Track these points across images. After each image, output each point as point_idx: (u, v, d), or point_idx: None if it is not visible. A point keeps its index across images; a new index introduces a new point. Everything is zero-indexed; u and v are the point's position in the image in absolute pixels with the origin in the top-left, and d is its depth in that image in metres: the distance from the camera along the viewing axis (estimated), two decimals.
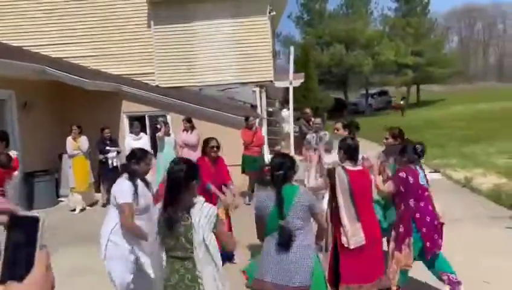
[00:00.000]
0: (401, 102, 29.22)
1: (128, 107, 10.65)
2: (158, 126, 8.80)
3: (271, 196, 3.11)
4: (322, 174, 8.46)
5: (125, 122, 10.67)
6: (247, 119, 8.82)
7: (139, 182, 3.78)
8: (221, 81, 13.10)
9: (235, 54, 12.99)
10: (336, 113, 28.00)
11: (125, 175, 3.73)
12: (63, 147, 8.96)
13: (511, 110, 23.75)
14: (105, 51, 12.82)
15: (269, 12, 13.14)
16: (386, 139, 5.41)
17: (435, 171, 10.77)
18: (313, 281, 2.97)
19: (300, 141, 10.97)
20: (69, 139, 8.84)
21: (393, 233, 4.05)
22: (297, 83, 15.67)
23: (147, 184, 3.96)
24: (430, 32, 36.81)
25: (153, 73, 13.13)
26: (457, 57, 43.51)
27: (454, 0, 60.81)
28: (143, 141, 9.10)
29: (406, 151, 4.19)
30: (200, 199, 2.81)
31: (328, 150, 8.43)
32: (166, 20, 12.97)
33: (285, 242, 2.96)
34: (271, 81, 13.47)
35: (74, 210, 8.82)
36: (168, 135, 9.01)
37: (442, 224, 4.04)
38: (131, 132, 9.19)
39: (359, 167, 3.84)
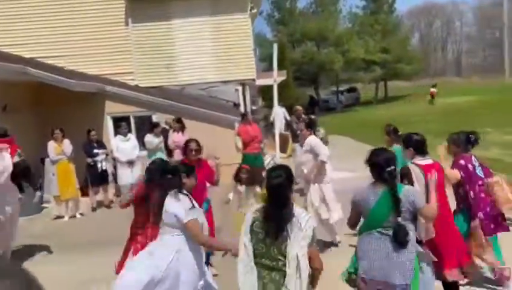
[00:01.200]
0: (434, 89, 29.93)
1: (112, 108, 10.31)
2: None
3: (375, 192, 3.07)
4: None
5: (109, 124, 10.33)
6: (244, 115, 8.69)
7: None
8: (203, 79, 12.87)
9: (216, 52, 12.79)
10: (308, 110, 28.22)
11: (175, 191, 3.33)
12: (45, 151, 8.55)
13: (476, 104, 24.69)
14: (81, 50, 12.28)
15: (250, 10, 13.04)
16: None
17: None
18: (412, 282, 2.96)
19: (288, 138, 11.00)
20: (51, 143, 8.44)
21: (473, 223, 4.15)
22: (278, 80, 15.71)
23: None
24: (397, 30, 37.73)
25: (132, 72, 12.71)
26: (422, 53, 44.78)
27: None
28: (132, 143, 8.85)
29: (459, 140, 4.24)
30: (298, 209, 2.69)
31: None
32: (144, 18, 12.61)
33: (402, 241, 2.93)
34: (253, 79, 13.37)
35: (59, 217, 8.46)
36: (158, 136, 8.78)
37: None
38: (118, 133, 8.88)
39: (428, 161, 3.80)
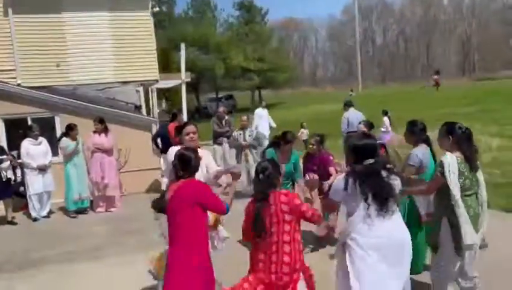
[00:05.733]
0: (437, 76, 31.55)
1: (4, 109, 8.79)
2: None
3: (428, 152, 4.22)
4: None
5: (0, 127, 8.81)
6: (175, 115, 8.20)
7: None
8: (99, 80, 11.90)
9: (114, 50, 11.92)
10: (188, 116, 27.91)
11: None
12: None
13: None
14: None
15: (152, 8, 12.44)
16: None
17: None
18: None
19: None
20: None
21: None
22: (175, 82, 15.22)
23: None
24: (270, 40, 39.61)
25: (14, 70, 11.14)
26: (294, 64, 47.62)
27: (275, 13, 67.15)
28: (44, 147, 7.71)
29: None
30: None
31: (254, 147, 8.49)
32: (29, 9, 11.23)
33: None
34: (156, 80, 12.73)
35: None
36: (75, 139, 7.77)
37: None
38: (28, 136, 7.61)
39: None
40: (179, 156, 3.38)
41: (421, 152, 4.22)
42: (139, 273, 4.71)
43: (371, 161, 3.07)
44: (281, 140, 5.46)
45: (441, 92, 30.09)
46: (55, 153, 8.34)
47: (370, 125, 5.22)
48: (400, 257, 3.00)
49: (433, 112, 18.55)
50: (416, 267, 4.15)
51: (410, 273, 3.75)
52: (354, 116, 9.33)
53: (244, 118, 8.30)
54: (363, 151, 3.09)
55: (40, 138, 7.68)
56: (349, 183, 3.02)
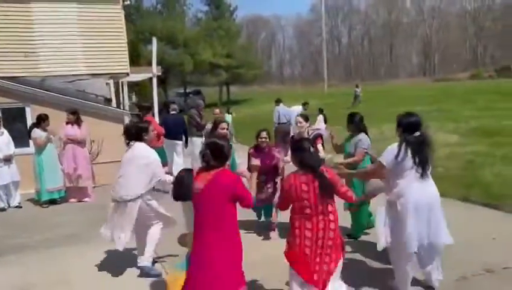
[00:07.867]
0: None
1: None
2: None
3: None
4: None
5: None
6: (149, 108, 8.35)
7: None
8: (69, 71, 11.81)
9: (84, 42, 11.86)
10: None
11: None
12: None
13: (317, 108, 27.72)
14: None
15: (123, 1, 12.44)
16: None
17: None
18: None
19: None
20: None
21: None
22: (144, 76, 15.27)
23: None
24: (238, 37, 39.80)
25: None
26: (261, 61, 47.91)
27: (244, 10, 67.30)
28: (5, 137, 7.72)
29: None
30: None
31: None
32: None
33: None
34: (127, 73, 12.75)
35: None
36: (45, 130, 7.79)
37: None
38: None
39: None
40: (211, 144, 3.26)
41: (365, 138, 5.13)
42: (118, 257, 4.94)
43: (418, 133, 3.78)
44: None
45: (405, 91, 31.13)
46: (26, 143, 8.35)
47: (306, 117, 5.84)
48: (431, 213, 3.73)
49: (395, 110, 19.35)
50: (356, 232, 5.28)
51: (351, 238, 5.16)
52: (283, 111, 11.41)
53: (217, 110, 8.57)
54: (414, 126, 3.80)
55: (2, 129, 7.67)
56: (401, 152, 3.70)
